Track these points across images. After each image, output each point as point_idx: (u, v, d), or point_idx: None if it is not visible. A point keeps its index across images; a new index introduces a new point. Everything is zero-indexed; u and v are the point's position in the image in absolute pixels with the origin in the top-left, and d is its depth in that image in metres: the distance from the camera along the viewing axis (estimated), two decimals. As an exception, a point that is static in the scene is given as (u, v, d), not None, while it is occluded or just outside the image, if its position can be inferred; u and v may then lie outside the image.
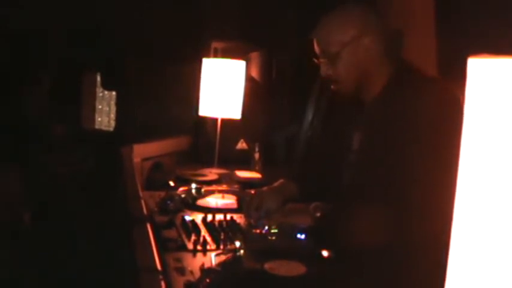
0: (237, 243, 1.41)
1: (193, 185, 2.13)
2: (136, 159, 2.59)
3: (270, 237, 1.58)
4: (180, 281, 1.28)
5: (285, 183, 1.89)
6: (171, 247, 1.52)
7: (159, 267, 1.36)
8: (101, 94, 5.19)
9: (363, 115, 1.70)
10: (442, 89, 1.56)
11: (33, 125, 4.18)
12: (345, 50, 1.60)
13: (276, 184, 1.89)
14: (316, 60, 1.68)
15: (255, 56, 3.19)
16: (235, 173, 2.62)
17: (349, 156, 1.74)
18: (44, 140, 4.04)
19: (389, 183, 1.49)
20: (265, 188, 1.88)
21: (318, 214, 1.63)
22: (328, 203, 1.67)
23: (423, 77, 1.64)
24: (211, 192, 2.13)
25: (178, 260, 1.42)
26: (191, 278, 1.29)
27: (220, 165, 2.76)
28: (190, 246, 1.52)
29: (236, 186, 2.38)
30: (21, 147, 3.89)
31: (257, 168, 2.74)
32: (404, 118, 1.51)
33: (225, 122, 2.81)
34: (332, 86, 1.71)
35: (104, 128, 5.24)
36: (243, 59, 2.87)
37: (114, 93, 5.09)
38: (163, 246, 1.52)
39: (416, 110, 1.48)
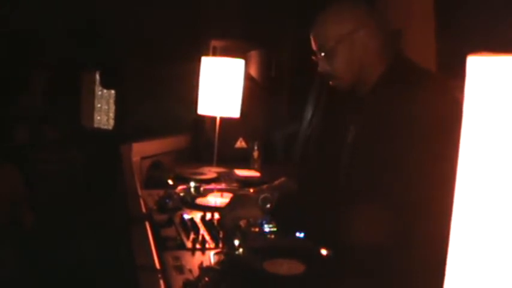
0: (236, 242, 1.40)
1: (192, 184, 2.12)
2: (136, 158, 2.59)
3: (269, 236, 1.58)
4: (179, 279, 1.28)
5: (286, 181, 1.89)
6: (170, 246, 1.52)
7: (157, 265, 1.36)
8: (100, 93, 5.18)
9: (357, 109, 1.70)
10: (436, 82, 1.56)
11: (32, 123, 4.17)
12: (341, 44, 1.61)
13: (276, 182, 1.89)
14: (314, 57, 1.69)
15: (254, 54, 3.19)
16: (234, 172, 2.62)
17: (344, 150, 1.74)
18: (44, 138, 4.04)
19: (381, 177, 1.49)
20: (265, 186, 1.87)
21: (268, 206, 1.64)
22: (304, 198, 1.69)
23: (418, 70, 1.64)
24: (210, 191, 2.13)
25: (177, 258, 1.42)
26: (190, 277, 1.29)
27: (219, 163, 2.76)
28: (189, 244, 1.52)
29: (235, 184, 2.38)
30: (21, 146, 3.89)
31: (256, 166, 2.74)
32: (396, 112, 1.50)
33: (224, 120, 2.80)
34: (330, 82, 1.72)
35: (103, 126, 5.24)
36: (242, 58, 2.86)
37: (113, 91, 5.09)
38: (162, 245, 1.52)
39: (409, 104, 1.48)
